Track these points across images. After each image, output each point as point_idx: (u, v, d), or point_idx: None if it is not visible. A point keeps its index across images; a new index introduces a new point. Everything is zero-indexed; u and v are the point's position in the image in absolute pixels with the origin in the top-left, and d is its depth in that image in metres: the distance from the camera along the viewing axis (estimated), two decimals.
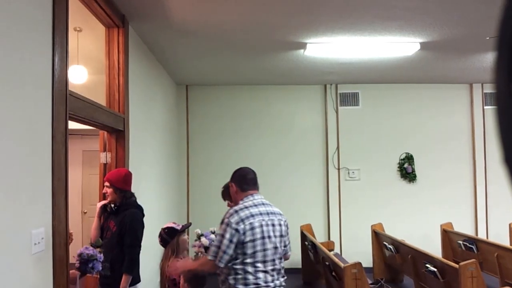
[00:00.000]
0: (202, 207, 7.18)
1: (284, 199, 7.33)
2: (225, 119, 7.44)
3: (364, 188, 7.39)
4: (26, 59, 2.23)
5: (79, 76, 4.78)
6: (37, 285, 2.28)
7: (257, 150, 7.40)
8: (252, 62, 5.88)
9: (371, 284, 4.98)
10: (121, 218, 3.49)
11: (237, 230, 2.73)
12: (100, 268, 2.97)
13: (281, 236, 2.89)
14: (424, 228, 7.21)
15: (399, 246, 5.71)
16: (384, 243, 6.17)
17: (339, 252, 7.17)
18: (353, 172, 7.39)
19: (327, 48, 5.10)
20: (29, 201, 2.22)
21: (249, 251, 2.73)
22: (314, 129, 7.47)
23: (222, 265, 2.75)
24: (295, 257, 7.05)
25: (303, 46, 5.09)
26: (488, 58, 5.74)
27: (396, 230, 6.75)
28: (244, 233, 2.73)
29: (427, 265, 4.72)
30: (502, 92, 0.41)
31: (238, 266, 2.74)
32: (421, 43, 5.04)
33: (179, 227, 3.68)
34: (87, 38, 4.60)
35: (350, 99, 7.46)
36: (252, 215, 2.79)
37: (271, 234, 2.81)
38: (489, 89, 7.38)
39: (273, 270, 2.80)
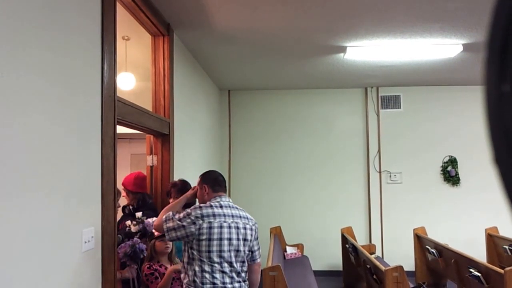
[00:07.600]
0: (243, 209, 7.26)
1: (325, 201, 7.38)
2: (267, 123, 7.53)
3: (406, 191, 7.31)
4: (77, 67, 2.34)
5: (128, 83, 4.96)
6: (87, 280, 2.40)
7: (298, 153, 7.46)
8: (293, 66, 5.94)
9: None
10: None
11: (194, 223, 2.72)
12: (144, 247, 3.09)
13: (245, 239, 2.86)
14: (468, 232, 7.08)
15: (442, 250, 5.63)
16: (427, 247, 6.09)
17: (380, 256, 7.12)
18: (394, 175, 7.33)
19: (367, 51, 5.09)
20: (80, 202, 2.34)
21: (204, 249, 2.71)
22: (355, 132, 7.45)
23: (166, 235, 2.78)
24: (336, 260, 7.08)
25: (343, 49, 5.12)
26: None
27: (439, 234, 6.67)
28: (199, 229, 2.71)
29: (471, 270, 4.64)
30: (492, 93, 0.42)
31: (196, 263, 2.73)
32: (463, 45, 4.97)
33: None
34: (135, 46, 4.79)
35: (391, 102, 7.41)
36: (214, 215, 2.77)
37: (233, 236, 2.79)
38: None
39: (231, 271, 2.75)
